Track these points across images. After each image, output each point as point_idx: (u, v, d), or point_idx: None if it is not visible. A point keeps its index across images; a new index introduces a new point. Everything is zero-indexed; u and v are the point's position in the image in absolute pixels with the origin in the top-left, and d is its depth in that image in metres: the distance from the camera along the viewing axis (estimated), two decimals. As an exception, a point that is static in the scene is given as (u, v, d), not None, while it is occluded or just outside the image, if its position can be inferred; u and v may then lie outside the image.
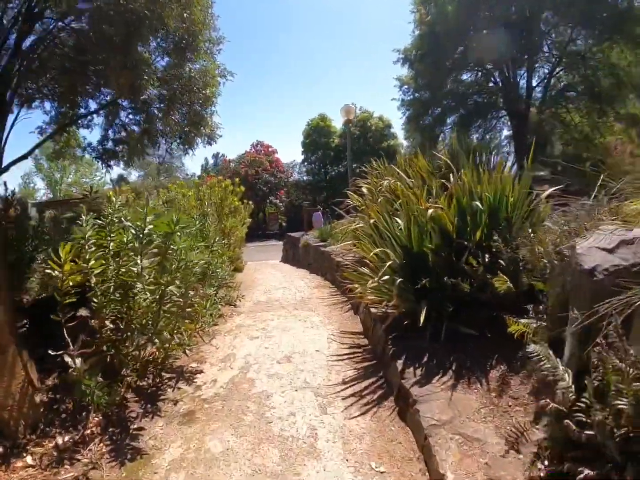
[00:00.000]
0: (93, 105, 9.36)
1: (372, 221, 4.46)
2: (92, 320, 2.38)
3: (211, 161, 49.25)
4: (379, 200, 4.60)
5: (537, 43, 15.45)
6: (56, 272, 2.33)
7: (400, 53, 17.51)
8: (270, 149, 33.85)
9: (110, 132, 9.77)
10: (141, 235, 2.36)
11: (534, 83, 16.98)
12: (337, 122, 32.09)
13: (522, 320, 2.57)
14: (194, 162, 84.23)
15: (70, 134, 9.83)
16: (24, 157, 8.88)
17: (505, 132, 20.46)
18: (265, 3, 67.54)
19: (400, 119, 20.71)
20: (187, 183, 8.94)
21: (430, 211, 2.97)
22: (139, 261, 2.37)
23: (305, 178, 34.40)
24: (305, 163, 33.75)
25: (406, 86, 18.48)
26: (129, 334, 2.72)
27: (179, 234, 2.72)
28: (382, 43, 67.22)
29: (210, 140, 10.00)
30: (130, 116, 9.55)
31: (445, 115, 17.98)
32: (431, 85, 16.64)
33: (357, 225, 5.34)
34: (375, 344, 3.45)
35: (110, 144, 10.27)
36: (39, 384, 2.69)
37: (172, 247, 2.54)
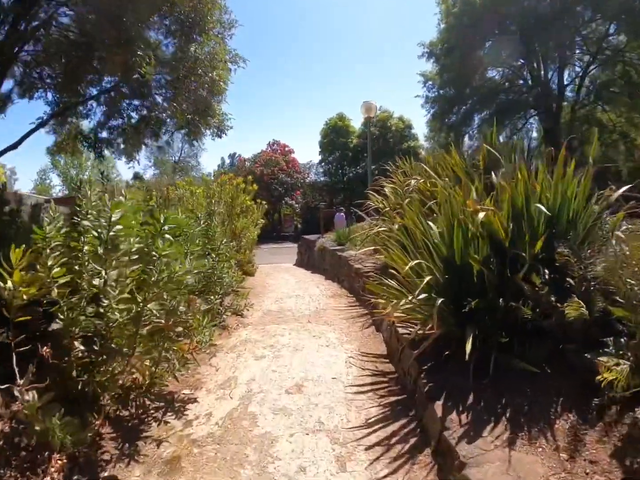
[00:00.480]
0: (93, 92, 8.74)
1: (396, 226, 3.89)
2: (44, 349, 1.86)
3: (227, 161, 49.31)
4: (407, 201, 4.02)
5: (570, 38, 14.59)
6: (9, 282, 1.84)
7: (425, 47, 16.89)
8: (287, 149, 33.28)
9: (106, 119, 9.09)
10: (104, 238, 1.84)
11: (566, 81, 16.13)
12: (356, 122, 31.51)
13: (603, 359, 1.99)
14: (210, 161, 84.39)
15: (72, 126, 9.29)
16: (12, 147, 8.39)
17: (533, 134, 19.62)
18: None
19: (424, 117, 19.99)
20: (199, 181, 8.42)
21: (481, 215, 2.36)
22: (103, 272, 1.85)
23: (322, 179, 33.72)
24: (323, 163, 33.03)
25: (431, 82, 17.80)
26: (104, 357, 2.21)
27: (167, 235, 2.19)
28: (402, 41, 65.92)
29: (220, 132, 9.19)
30: (127, 100, 8.86)
31: (473, 112, 17.18)
32: (457, 82, 15.90)
33: (380, 229, 4.78)
34: (404, 373, 2.86)
35: (104, 133, 9.47)
36: (2, 409, 2.22)
37: (153, 254, 2.00)
